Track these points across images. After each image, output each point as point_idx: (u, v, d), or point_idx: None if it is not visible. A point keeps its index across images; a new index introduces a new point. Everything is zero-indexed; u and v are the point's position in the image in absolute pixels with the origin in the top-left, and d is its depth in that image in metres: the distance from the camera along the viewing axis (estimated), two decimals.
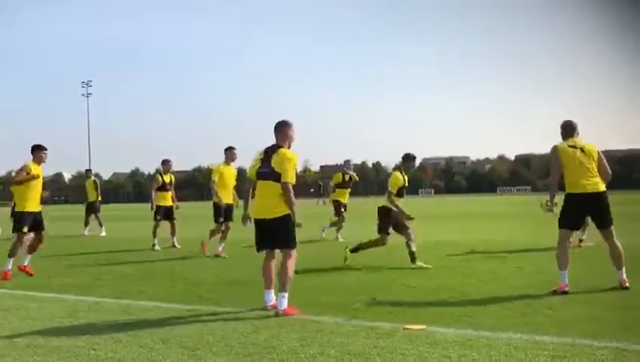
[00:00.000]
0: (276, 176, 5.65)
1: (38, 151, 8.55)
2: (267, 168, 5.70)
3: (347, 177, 13.66)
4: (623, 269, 6.36)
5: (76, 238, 16.11)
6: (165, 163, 12.67)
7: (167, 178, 12.60)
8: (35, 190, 8.54)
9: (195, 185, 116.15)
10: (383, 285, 7.07)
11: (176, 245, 12.23)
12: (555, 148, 6.60)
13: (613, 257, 6.41)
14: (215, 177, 10.76)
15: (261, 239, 5.81)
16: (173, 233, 12.47)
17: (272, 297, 5.71)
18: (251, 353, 4.24)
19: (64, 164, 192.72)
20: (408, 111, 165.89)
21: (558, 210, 6.60)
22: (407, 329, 4.79)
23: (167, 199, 12.63)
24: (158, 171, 13.32)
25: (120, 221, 25.77)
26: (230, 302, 6.08)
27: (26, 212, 8.47)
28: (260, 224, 5.77)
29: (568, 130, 6.70)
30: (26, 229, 8.43)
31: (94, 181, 17.71)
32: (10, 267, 8.33)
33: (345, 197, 13.65)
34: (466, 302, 5.96)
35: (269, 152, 5.77)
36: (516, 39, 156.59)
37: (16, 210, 8.59)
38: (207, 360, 4.12)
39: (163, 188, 12.55)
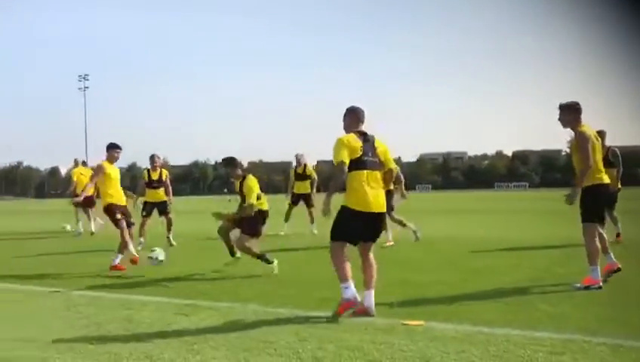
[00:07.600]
0: (380, 167, 5.48)
1: (111, 150, 9.05)
2: (376, 158, 5.41)
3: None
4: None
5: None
6: (151, 158, 12.28)
7: (154, 175, 12.16)
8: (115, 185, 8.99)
9: (193, 179, 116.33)
10: (380, 280, 7.01)
11: (172, 242, 11.80)
12: (585, 133, 6.20)
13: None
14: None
15: (368, 232, 5.43)
16: (168, 229, 12.07)
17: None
18: (249, 348, 4.22)
19: (62, 158, 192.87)
20: (405, 106, 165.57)
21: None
22: (406, 324, 4.78)
23: (156, 195, 12.16)
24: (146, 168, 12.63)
25: None
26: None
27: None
28: (370, 217, 5.32)
29: (580, 113, 6.33)
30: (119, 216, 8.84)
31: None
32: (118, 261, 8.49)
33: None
34: (464, 297, 5.94)
35: (370, 140, 5.44)
36: (515, 36, 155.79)
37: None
38: (205, 354, 4.11)
39: (150, 185, 12.14)
